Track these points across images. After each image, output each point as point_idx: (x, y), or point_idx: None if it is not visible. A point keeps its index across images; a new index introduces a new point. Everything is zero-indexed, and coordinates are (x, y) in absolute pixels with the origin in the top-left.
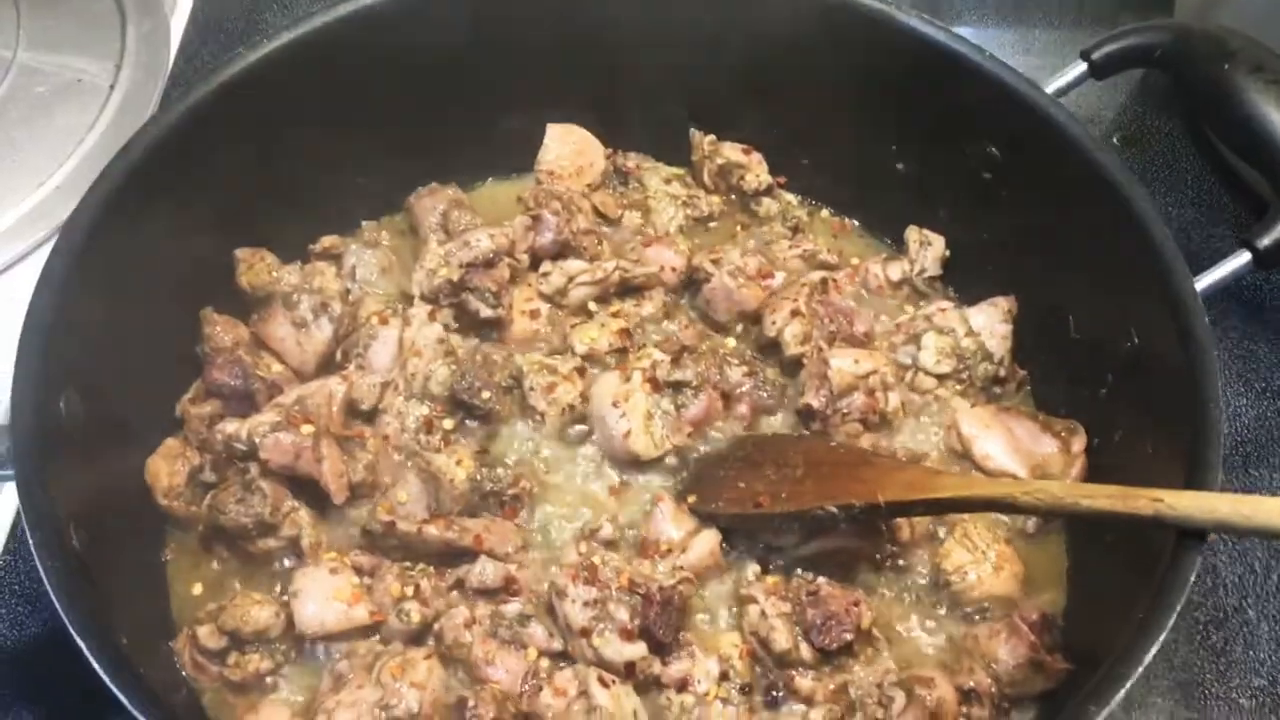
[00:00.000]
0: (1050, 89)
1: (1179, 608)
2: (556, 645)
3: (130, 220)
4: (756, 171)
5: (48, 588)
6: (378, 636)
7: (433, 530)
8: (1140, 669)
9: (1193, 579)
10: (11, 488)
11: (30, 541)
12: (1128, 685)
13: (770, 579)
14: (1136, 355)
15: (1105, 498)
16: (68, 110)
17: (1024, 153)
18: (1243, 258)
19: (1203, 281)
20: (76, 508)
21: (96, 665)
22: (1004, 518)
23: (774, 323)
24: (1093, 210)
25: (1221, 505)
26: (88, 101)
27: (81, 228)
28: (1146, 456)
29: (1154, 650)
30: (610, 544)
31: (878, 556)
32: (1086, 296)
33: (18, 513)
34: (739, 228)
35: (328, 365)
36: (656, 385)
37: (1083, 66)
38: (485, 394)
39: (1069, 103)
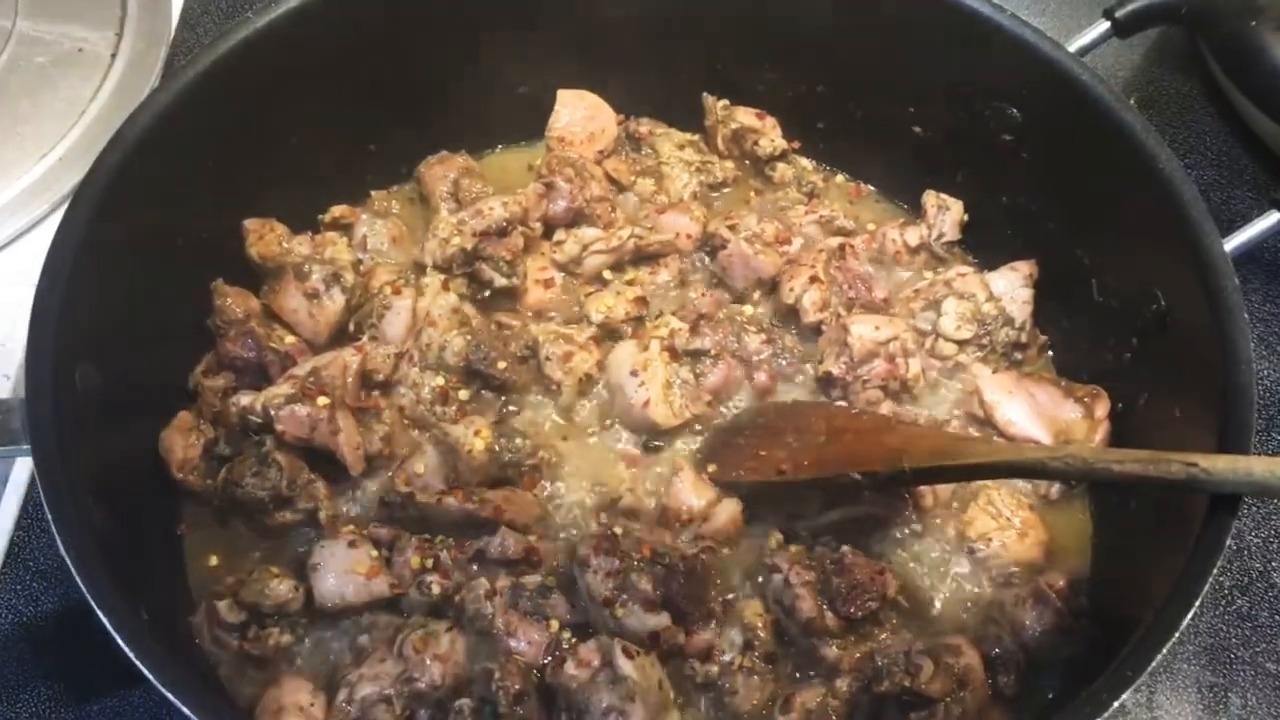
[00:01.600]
0: (1073, 48)
1: (1214, 573)
2: (578, 617)
3: (139, 192)
4: (770, 136)
5: (69, 565)
6: (398, 609)
7: (452, 501)
8: (1176, 634)
9: (1227, 543)
10: (23, 463)
11: (50, 518)
12: (1164, 650)
13: (793, 548)
14: (1162, 318)
15: (1136, 462)
16: (69, 80)
17: (1046, 114)
18: (1272, 218)
19: (1231, 242)
20: (94, 482)
21: (122, 643)
22: (1026, 484)
23: (792, 289)
24: (1117, 172)
25: (1256, 467)
26: (89, 71)
27: (91, 199)
28: (1173, 420)
29: (1189, 616)
30: (630, 514)
31: (901, 524)
32: (1110, 259)
33: (30, 488)
34: (753, 193)
35: (340, 336)
36: (675, 354)
37: (1105, 25)
38: (501, 364)
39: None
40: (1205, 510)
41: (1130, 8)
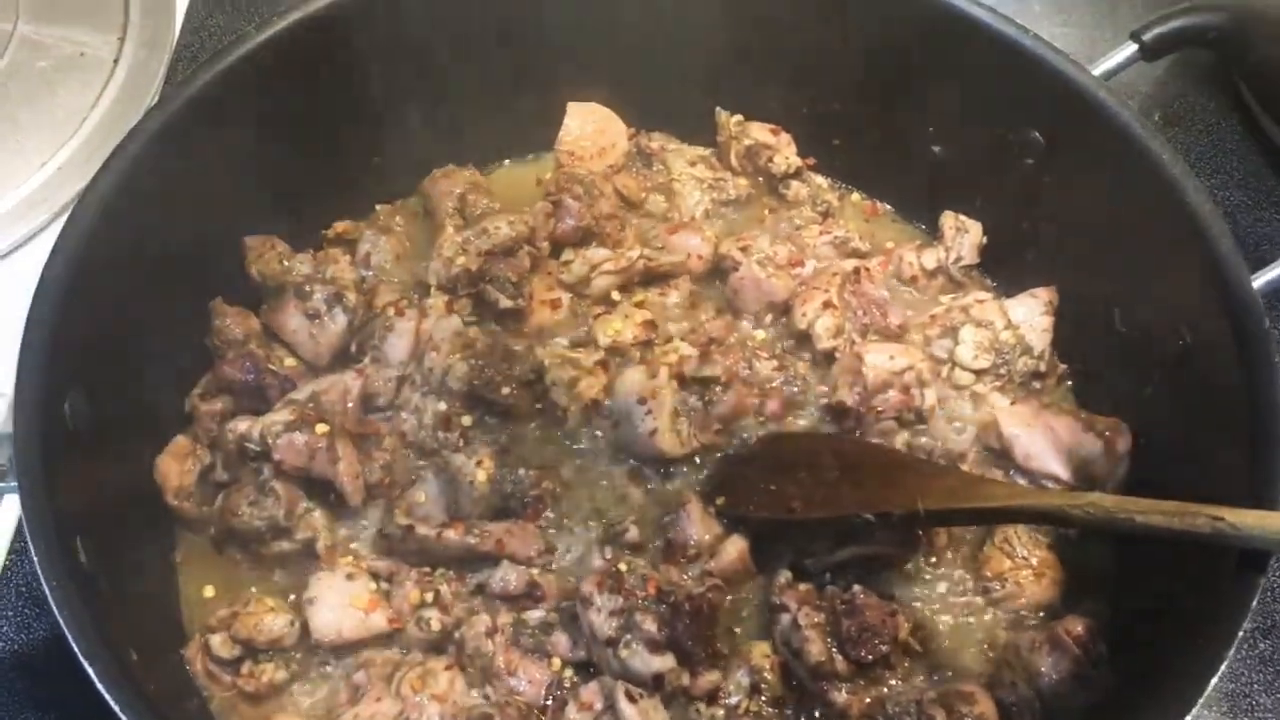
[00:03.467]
0: (1098, 71)
1: (1240, 633)
2: (581, 654)
3: (136, 209)
4: (785, 153)
5: (52, 607)
6: (396, 645)
7: (452, 535)
8: (1200, 700)
9: (1255, 603)
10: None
11: (36, 563)
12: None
13: (802, 587)
14: (1187, 354)
15: (1160, 514)
16: (70, 86)
17: (1069, 138)
18: None
19: (1260, 279)
20: (83, 516)
21: (105, 693)
22: None
23: (805, 315)
24: (1143, 200)
25: None
26: (91, 77)
27: (86, 218)
28: (1197, 460)
29: (1214, 681)
30: (635, 547)
31: (914, 562)
32: (1134, 290)
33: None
34: (766, 212)
35: (342, 358)
36: (684, 381)
37: (1133, 47)
38: (505, 389)
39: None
40: (1233, 567)
41: (1158, 30)
